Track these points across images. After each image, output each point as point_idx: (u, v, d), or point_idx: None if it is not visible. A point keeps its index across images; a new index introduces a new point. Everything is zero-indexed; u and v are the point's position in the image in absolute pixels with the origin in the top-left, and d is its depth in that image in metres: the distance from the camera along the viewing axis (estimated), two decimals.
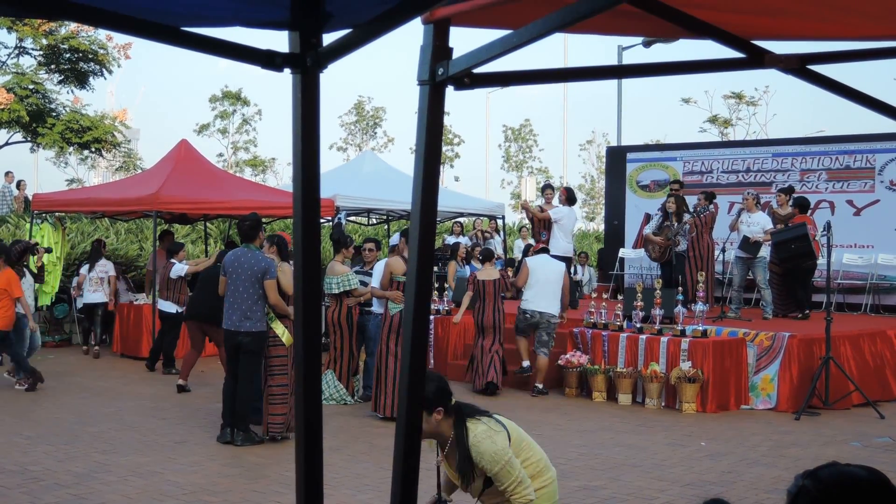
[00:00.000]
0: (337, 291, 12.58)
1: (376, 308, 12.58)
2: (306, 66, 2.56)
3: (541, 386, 13.59)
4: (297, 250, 2.70)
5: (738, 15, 2.73)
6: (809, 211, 17.76)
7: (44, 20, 27.45)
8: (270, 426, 10.33)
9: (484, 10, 2.54)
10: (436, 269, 17.20)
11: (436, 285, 16.63)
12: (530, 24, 2.37)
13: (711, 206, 15.67)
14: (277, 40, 2.80)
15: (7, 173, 26.80)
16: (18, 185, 26.24)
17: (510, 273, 15.47)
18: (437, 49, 2.57)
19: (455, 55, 2.60)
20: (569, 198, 16.47)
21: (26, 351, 13.58)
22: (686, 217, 15.21)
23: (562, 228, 15.90)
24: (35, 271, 15.32)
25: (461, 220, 23.42)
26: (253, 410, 10.38)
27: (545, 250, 14.33)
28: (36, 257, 15.50)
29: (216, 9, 2.51)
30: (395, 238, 12.73)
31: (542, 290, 13.53)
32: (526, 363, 13.62)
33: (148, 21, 2.33)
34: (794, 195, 16.29)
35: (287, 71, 2.59)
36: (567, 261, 15.40)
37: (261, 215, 19.21)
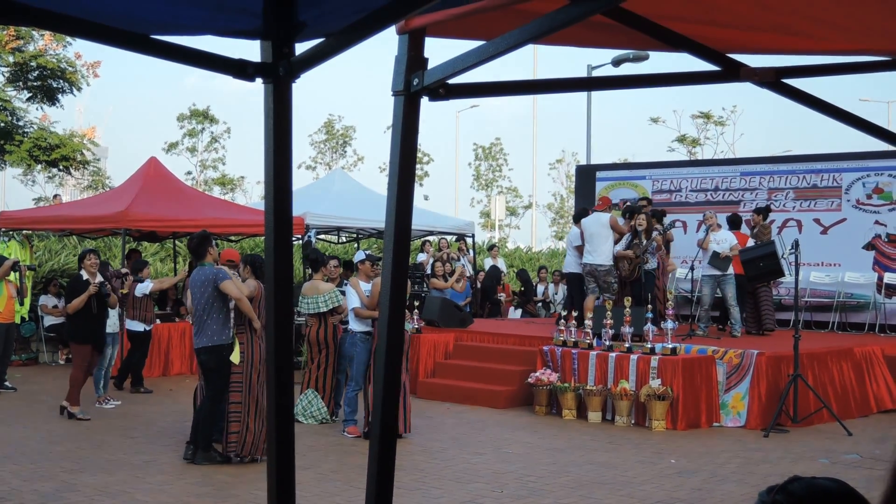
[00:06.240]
0: (325, 309, 12.52)
1: (354, 326, 12.10)
2: (278, 75, 2.54)
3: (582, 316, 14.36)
4: (269, 262, 2.66)
5: (713, 28, 2.73)
6: (778, 229, 17.93)
7: (12, 38, 27.25)
8: (228, 445, 10.18)
9: (458, 21, 2.51)
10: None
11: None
12: (506, 34, 2.35)
13: (659, 226, 15.84)
14: (249, 50, 2.76)
15: None
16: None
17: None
18: (412, 59, 2.54)
19: (429, 67, 2.58)
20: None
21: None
22: (654, 234, 15.28)
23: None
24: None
25: (430, 238, 23.41)
26: (216, 430, 10.24)
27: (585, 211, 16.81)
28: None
29: (187, 17, 2.47)
30: (359, 255, 12.50)
31: (592, 246, 15.49)
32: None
33: (117, 28, 2.29)
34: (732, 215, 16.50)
35: (259, 81, 2.56)
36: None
37: (229, 233, 19.41)
